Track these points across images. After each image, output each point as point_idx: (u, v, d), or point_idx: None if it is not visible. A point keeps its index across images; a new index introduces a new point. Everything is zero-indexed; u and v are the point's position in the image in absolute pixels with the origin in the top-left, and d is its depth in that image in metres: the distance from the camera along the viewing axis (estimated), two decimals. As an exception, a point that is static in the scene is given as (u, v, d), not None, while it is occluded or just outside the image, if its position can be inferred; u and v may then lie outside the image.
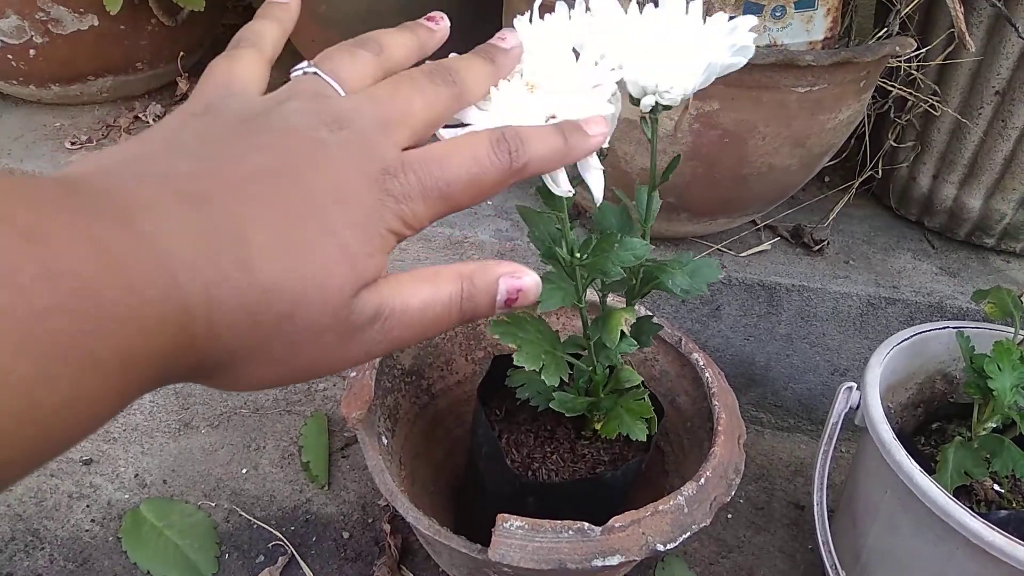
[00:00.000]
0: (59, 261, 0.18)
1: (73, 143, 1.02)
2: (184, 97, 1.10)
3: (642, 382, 0.60)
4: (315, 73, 0.28)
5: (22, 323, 0.17)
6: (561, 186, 0.34)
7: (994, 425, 0.67)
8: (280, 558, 0.77)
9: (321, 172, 0.24)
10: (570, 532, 0.53)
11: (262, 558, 0.77)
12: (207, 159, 0.23)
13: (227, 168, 0.23)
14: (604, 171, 0.35)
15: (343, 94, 0.28)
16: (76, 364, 0.18)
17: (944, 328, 0.75)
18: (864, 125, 0.93)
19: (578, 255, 0.50)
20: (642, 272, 0.54)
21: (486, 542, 0.54)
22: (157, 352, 0.20)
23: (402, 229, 0.26)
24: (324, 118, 0.26)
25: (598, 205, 0.37)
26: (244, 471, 0.86)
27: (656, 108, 0.40)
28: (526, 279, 0.28)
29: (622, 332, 0.52)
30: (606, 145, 0.34)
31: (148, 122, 1.07)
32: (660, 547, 0.54)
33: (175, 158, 0.23)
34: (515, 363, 0.52)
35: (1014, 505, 0.67)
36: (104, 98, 1.10)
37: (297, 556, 0.78)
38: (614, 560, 0.53)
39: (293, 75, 0.29)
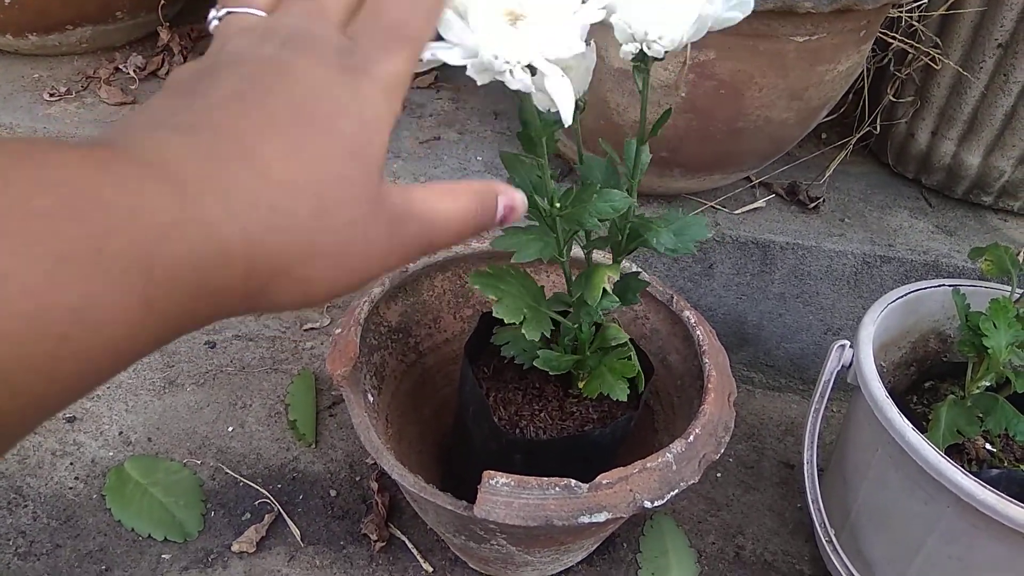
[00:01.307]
0: (58, 171, 0.18)
1: (52, 94, 0.99)
2: (166, 48, 1.07)
3: (629, 340, 0.58)
4: (228, 13, 0.29)
5: (19, 224, 0.17)
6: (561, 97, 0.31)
7: (988, 384, 0.67)
8: (266, 516, 0.76)
9: (288, 80, 0.25)
10: (557, 489, 0.52)
11: (248, 516, 0.77)
12: (181, 102, 0.24)
13: (203, 101, 0.24)
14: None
15: (264, 15, 0.28)
16: (82, 265, 0.18)
17: (940, 286, 0.74)
18: (863, 79, 0.91)
19: (557, 205, 0.48)
20: (628, 229, 0.53)
21: (473, 499, 0.53)
22: (183, 260, 0.20)
23: (389, 93, 0.26)
24: (263, 38, 0.26)
25: (567, 123, 0.34)
26: (230, 429, 0.85)
27: (644, 58, 0.38)
28: (517, 195, 0.30)
29: (604, 289, 0.50)
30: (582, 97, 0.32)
31: (128, 73, 1.04)
32: (648, 504, 0.53)
33: (154, 117, 0.24)
34: (494, 315, 0.51)
35: (1005, 464, 0.66)
36: (83, 49, 1.07)
37: (284, 514, 0.77)
38: (601, 517, 0.52)
39: (211, 27, 0.29)
